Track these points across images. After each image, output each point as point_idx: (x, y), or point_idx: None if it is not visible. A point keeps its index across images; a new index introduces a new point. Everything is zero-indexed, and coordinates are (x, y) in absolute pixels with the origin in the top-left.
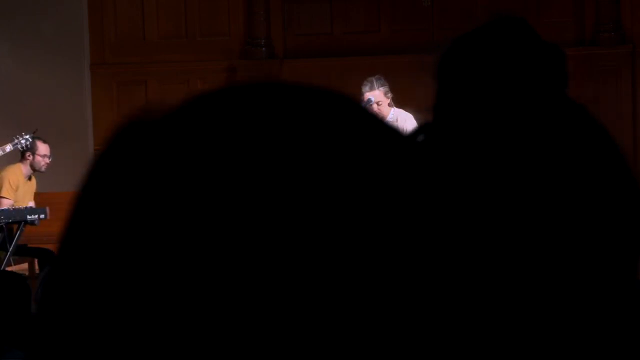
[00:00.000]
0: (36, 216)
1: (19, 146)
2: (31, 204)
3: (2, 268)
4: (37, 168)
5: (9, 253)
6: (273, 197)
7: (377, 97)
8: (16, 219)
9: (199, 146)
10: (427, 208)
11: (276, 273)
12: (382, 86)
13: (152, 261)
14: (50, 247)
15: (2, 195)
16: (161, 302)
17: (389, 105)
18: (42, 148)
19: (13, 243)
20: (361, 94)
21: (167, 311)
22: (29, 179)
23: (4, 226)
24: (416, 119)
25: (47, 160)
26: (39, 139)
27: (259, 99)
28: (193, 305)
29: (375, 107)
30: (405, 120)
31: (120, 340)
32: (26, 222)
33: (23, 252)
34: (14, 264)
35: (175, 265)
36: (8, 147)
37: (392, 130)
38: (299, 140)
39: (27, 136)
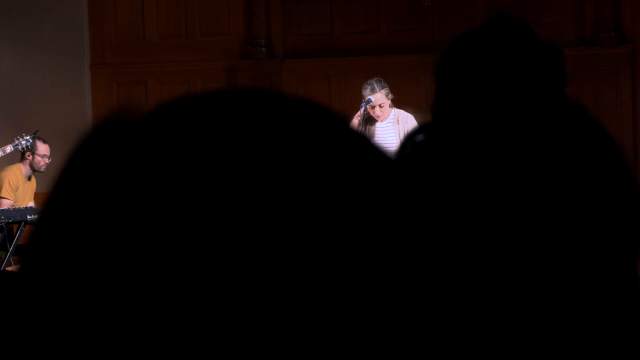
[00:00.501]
0: (36, 216)
1: (19, 147)
2: (31, 204)
3: (2, 268)
4: (36, 168)
5: (9, 253)
6: (241, 199)
7: (379, 99)
8: (16, 219)
9: (173, 149)
10: (422, 208)
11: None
12: (383, 88)
13: (111, 261)
14: None
15: (1, 195)
16: (105, 305)
17: (390, 106)
18: (42, 148)
19: (13, 243)
20: (362, 96)
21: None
22: (29, 179)
23: (4, 226)
24: (416, 119)
25: (47, 160)
26: (39, 139)
27: (234, 106)
28: (140, 306)
29: (377, 109)
30: (405, 121)
31: (91, 341)
32: (26, 222)
33: (23, 252)
34: (14, 264)
35: (133, 266)
36: (8, 148)
37: (348, 129)
38: (274, 146)
39: (28, 137)
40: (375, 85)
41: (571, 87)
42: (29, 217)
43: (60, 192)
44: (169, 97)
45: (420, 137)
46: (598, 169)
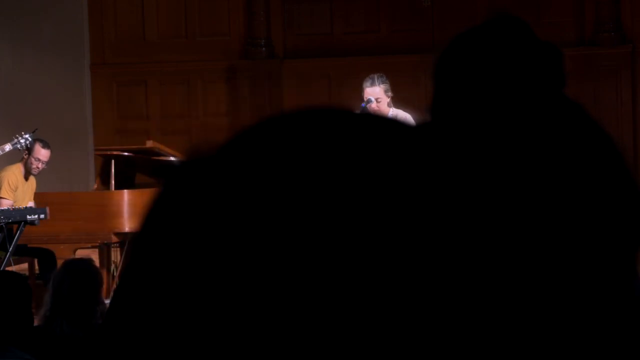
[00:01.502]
0: (36, 216)
1: (18, 146)
2: (31, 204)
3: (2, 268)
4: (28, 169)
5: (9, 253)
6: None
7: (376, 94)
8: (16, 219)
9: (254, 179)
10: (431, 210)
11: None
12: (383, 84)
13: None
14: (51, 247)
15: (1, 195)
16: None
17: (389, 105)
18: (40, 152)
19: (13, 243)
20: (361, 90)
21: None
22: (27, 179)
23: (4, 226)
24: (415, 119)
25: (40, 165)
26: (42, 143)
27: (304, 131)
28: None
29: (374, 105)
30: (403, 120)
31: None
32: (26, 222)
33: (23, 252)
34: (14, 264)
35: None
36: (7, 147)
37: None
38: (352, 173)
39: (27, 135)
40: (376, 80)
41: (571, 87)
42: (28, 217)
43: (147, 235)
44: (168, 97)
45: None
46: (597, 169)
